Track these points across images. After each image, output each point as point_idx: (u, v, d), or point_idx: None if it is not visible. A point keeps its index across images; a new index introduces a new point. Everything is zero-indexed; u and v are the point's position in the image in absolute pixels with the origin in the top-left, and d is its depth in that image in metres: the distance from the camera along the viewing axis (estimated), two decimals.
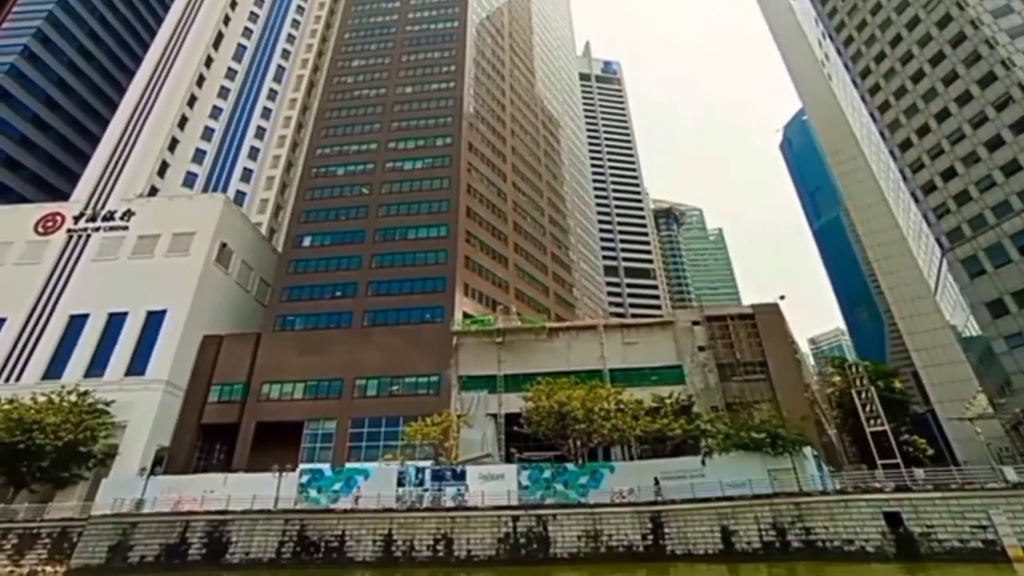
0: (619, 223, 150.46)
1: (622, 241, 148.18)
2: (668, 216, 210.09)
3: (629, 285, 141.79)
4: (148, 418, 46.33)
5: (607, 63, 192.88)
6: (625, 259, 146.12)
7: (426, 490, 35.48)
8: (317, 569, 30.58)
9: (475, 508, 32.14)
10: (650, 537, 30.25)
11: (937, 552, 25.35)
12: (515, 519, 31.52)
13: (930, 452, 58.72)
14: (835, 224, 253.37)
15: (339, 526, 31.79)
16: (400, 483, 35.84)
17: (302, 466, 37.82)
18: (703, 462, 34.25)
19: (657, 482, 32.85)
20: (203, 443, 50.37)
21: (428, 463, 40.12)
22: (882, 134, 63.57)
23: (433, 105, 65.69)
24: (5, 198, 69.49)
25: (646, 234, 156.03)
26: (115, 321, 51.50)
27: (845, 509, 27.48)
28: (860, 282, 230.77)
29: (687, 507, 30.59)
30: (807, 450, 33.25)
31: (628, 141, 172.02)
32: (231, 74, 76.59)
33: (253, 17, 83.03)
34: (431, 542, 31.10)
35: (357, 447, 45.87)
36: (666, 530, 30.17)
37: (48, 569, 32.66)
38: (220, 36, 77.97)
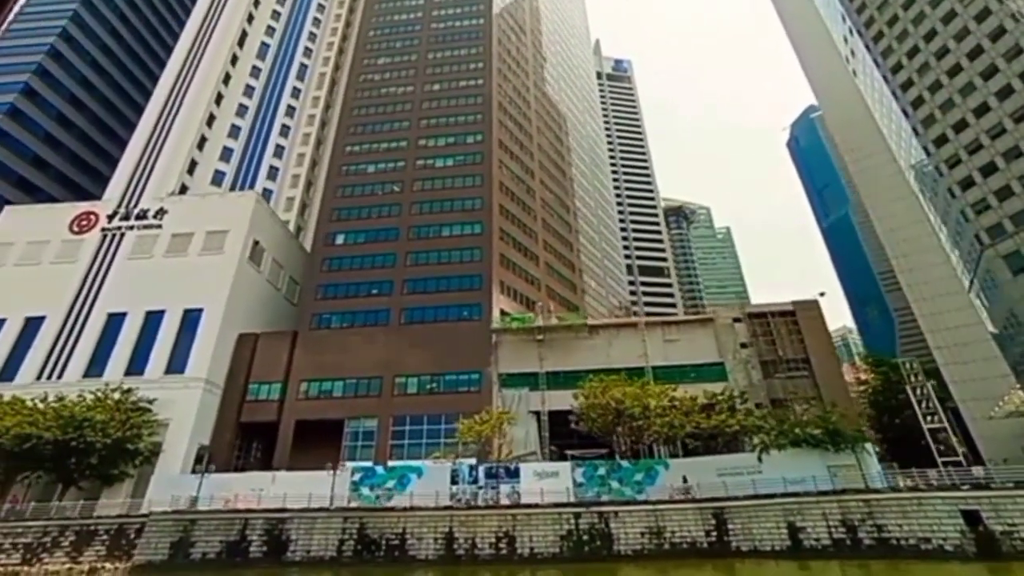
0: (632, 221, 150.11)
1: (635, 239, 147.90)
2: (678, 214, 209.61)
3: (643, 283, 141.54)
4: (189, 416, 46.30)
5: (618, 61, 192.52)
6: (639, 257, 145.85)
7: (480, 488, 35.38)
8: (379, 567, 30.48)
9: (536, 505, 32.00)
10: (714, 533, 30.12)
11: (1021, 551, 25.11)
12: (577, 516, 31.39)
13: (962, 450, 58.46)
14: (844, 222, 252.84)
15: (399, 524, 31.68)
16: (454, 481, 35.76)
17: (353, 464, 37.69)
18: (759, 458, 34.07)
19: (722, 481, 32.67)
20: (240, 441, 50.34)
21: (472, 460, 40.11)
22: (915, 130, 63.19)
23: (462, 102, 65.50)
24: (33, 197, 69.60)
25: (659, 232, 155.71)
26: (152, 319, 51.45)
27: (919, 507, 27.28)
28: (870, 280, 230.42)
29: (750, 503, 30.44)
30: (869, 446, 33.09)
31: (640, 139, 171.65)
32: (255, 72, 76.48)
33: (275, 15, 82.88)
34: (493, 540, 30.97)
35: (399, 445, 45.75)
36: (730, 526, 30.03)
37: (108, 566, 32.62)
38: (244, 34, 77.87)
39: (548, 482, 34.95)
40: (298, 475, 40.43)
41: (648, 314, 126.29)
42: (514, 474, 35.83)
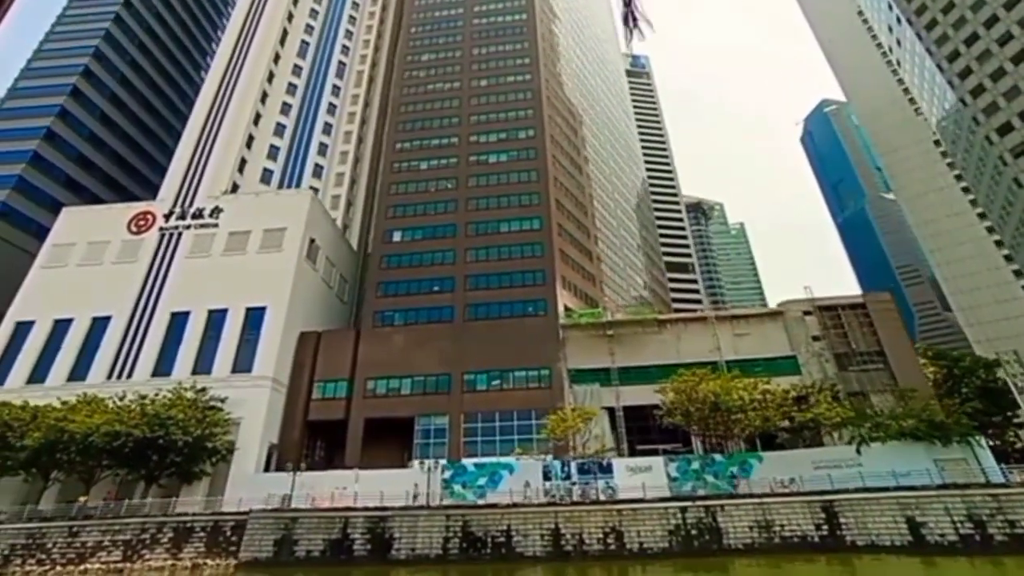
0: (656, 217, 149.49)
1: (660, 235, 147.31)
2: (696, 210, 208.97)
3: (669, 279, 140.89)
4: (260, 415, 46.21)
5: (635, 57, 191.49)
6: (664, 253, 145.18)
7: (574, 483, 35.20)
8: (487, 564, 30.31)
9: (640, 500, 31.76)
10: (825, 527, 29.78)
11: None
12: (683, 510, 31.14)
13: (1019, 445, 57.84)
14: (860, 216, 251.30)
15: (503, 521, 31.48)
16: (546, 477, 35.58)
17: (443, 461, 37.41)
18: (858, 451, 33.71)
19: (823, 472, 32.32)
20: (307, 440, 50.27)
21: (551, 457, 39.92)
22: (975, 119, 62.47)
23: (511, 98, 65.19)
24: (80, 196, 69.81)
25: (683, 228, 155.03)
26: (215, 318, 51.39)
27: None
28: (888, 275, 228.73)
29: (861, 497, 30.08)
30: (983, 440, 32.67)
31: (661, 135, 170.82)
32: (297, 70, 76.35)
33: (313, 14, 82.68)
34: (601, 535, 30.75)
35: (472, 442, 45.56)
36: (841, 520, 29.68)
37: (210, 562, 32.62)
38: (285, 33, 77.77)
39: (642, 477, 34.74)
40: (383, 473, 40.45)
41: (675, 310, 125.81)
42: (607, 469, 35.65)
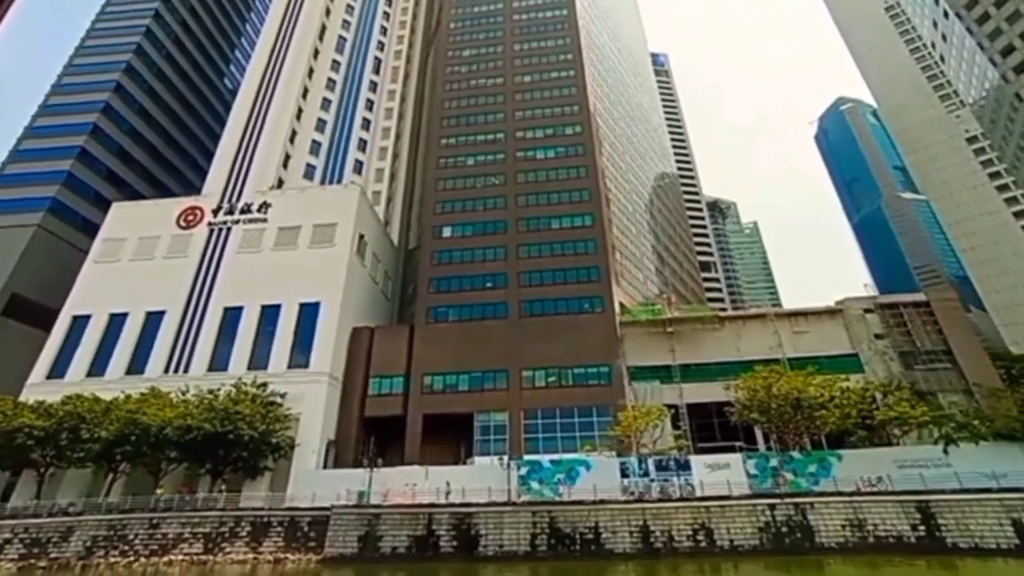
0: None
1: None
2: (713, 209, 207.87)
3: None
4: (318, 410, 46.17)
5: (654, 55, 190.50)
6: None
7: (652, 480, 34.91)
8: (577, 561, 30.09)
9: (728, 497, 31.48)
10: (921, 528, 29.39)
11: None
12: (771, 508, 30.85)
13: None
14: (876, 216, 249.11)
15: (591, 517, 31.26)
16: (624, 474, 35.31)
17: (521, 458, 37.12)
18: (945, 451, 33.26)
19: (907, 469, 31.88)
20: (364, 436, 50.16)
21: (613, 454, 39.68)
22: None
23: (556, 94, 64.77)
24: (120, 190, 69.96)
25: (704, 227, 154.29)
26: (269, 313, 51.35)
27: None
28: (905, 275, 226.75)
29: (960, 498, 29.65)
30: None
31: (681, 133, 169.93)
32: (335, 66, 76.15)
33: (349, 9, 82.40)
34: (690, 532, 30.51)
35: (533, 439, 45.33)
36: (940, 521, 29.27)
37: (291, 557, 32.56)
38: (323, 28, 77.62)
39: (720, 474, 34.48)
40: (452, 469, 40.43)
41: None
42: (685, 466, 35.33)
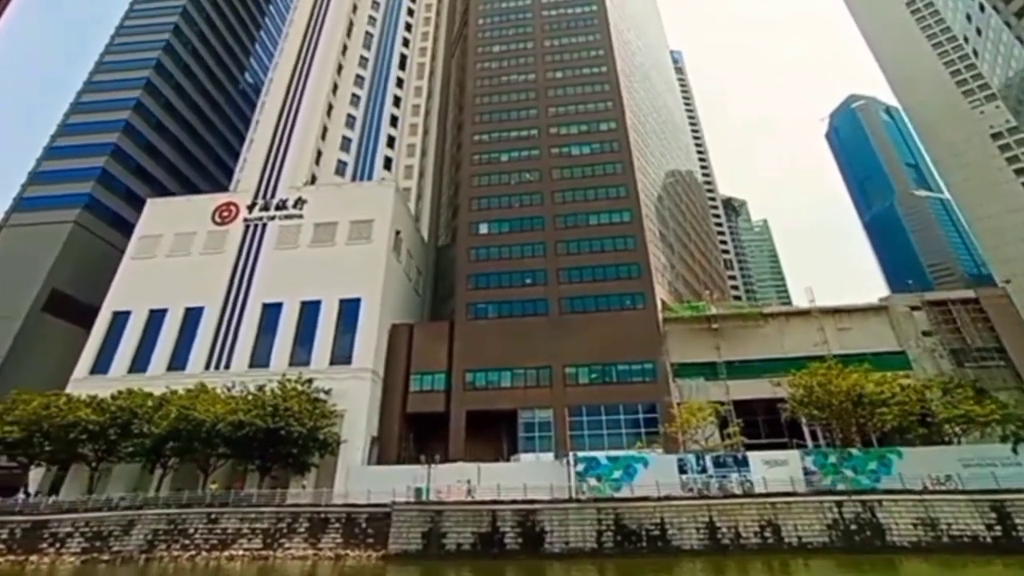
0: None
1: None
2: (727, 207, 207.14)
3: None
4: (362, 407, 46.06)
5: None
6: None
7: (711, 477, 34.64)
8: (644, 558, 29.88)
9: (794, 493, 31.25)
10: (997, 528, 29.05)
11: None
12: (838, 505, 30.60)
13: None
14: (888, 214, 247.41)
15: (656, 514, 31.06)
16: (682, 470, 35.06)
17: (577, 455, 36.82)
18: (1015, 450, 32.87)
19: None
20: (406, 432, 50.05)
21: (653, 452, 39.39)
22: None
23: (589, 90, 64.43)
24: (148, 185, 70.10)
25: (720, 224, 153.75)
26: (308, 309, 51.24)
27: None
28: (919, 274, 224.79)
29: None
30: None
31: (696, 130, 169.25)
32: (363, 62, 75.89)
33: (375, 5, 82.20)
34: (757, 529, 30.29)
35: (579, 436, 45.12)
36: (1017, 521, 28.88)
37: (351, 553, 32.46)
38: (351, 24, 77.43)
39: (778, 471, 34.19)
40: (507, 466, 40.38)
41: None
42: (742, 463, 35.03)
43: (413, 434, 52.03)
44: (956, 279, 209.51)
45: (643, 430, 44.10)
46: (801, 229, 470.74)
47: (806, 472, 34.38)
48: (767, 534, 30.08)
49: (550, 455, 44.31)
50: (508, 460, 46.71)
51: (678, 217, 71.90)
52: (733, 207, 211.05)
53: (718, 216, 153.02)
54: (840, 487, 32.91)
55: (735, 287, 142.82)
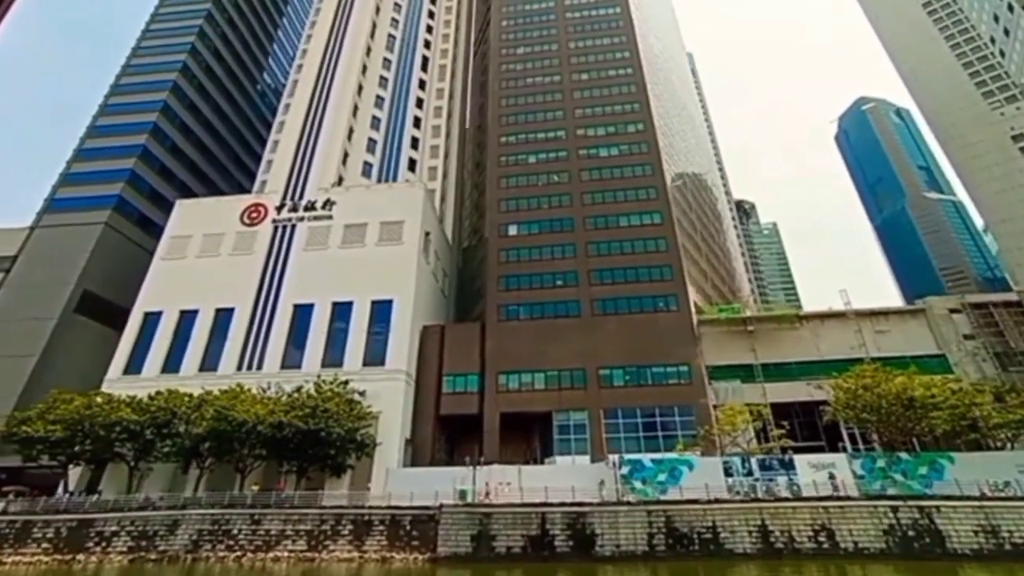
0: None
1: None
2: (738, 209, 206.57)
3: None
4: (397, 408, 45.89)
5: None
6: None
7: (757, 480, 34.24)
8: (697, 561, 29.53)
9: (848, 498, 30.82)
10: None
11: None
12: (894, 510, 30.14)
13: None
14: (900, 217, 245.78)
15: (707, 517, 30.70)
16: (727, 473, 34.68)
17: (624, 457, 36.49)
18: None
19: None
20: (439, 434, 49.84)
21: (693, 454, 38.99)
22: None
23: (616, 92, 64.34)
24: (171, 185, 70.28)
25: (735, 226, 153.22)
26: (340, 310, 51.19)
27: None
28: (931, 277, 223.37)
29: None
30: None
31: (709, 134, 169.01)
32: (387, 64, 76.07)
33: (397, 7, 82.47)
34: (811, 533, 29.87)
35: (615, 438, 44.79)
36: None
37: (397, 556, 32.23)
38: (373, 26, 77.69)
39: (825, 474, 33.76)
40: (547, 468, 40.12)
41: None
42: (788, 466, 34.63)
43: (446, 436, 51.90)
44: (969, 282, 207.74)
45: (679, 433, 43.73)
46: (806, 231, 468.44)
47: (855, 476, 33.97)
48: (821, 538, 29.66)
49: (586, 458, 44.11)
50: (539, 462, 46.50)
51: (703, 219, 71.61)
52: (744, 210, 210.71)
53: (733, 219, 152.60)
54: (890, 492, 32.51)
55: (749, 290, 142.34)
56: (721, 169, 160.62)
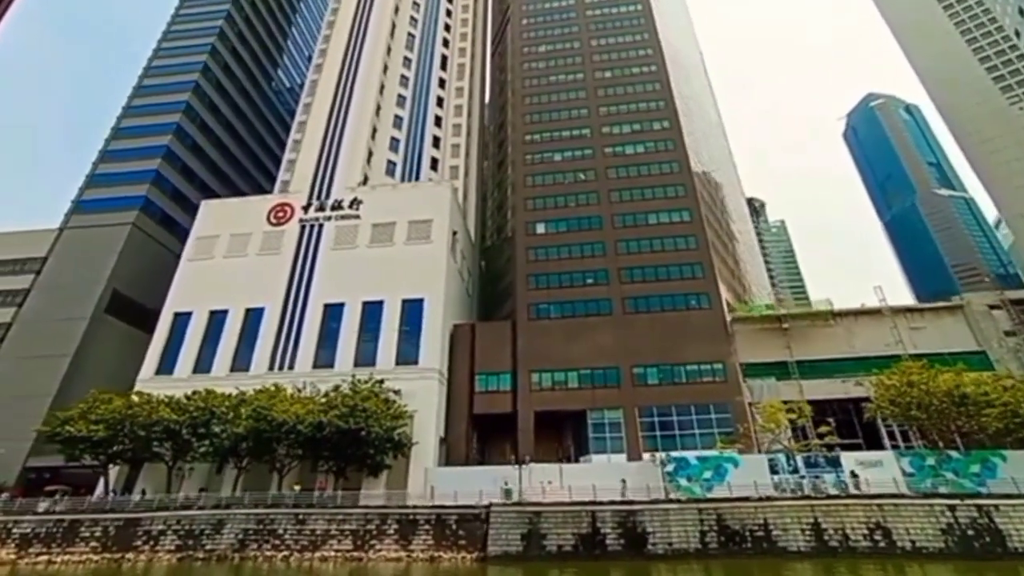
0: None
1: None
2: (749, 207, 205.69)
3: None
4: (432, 407, 45.73)
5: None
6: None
7: (803, 477, 33.95)
8: (750, 559, 29.26)
9: (902, 496, 30.49)
10: None
11: None
12: (951, 508, 29.77)
13: None
14: (910, 214, 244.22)
15: (758, 515, 30.44)
16: (773, 471, 34.40)
17: (670, 455, 36.25)
18: None
19: None
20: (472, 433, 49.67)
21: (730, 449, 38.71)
22: None
23: (640, 89, 64.07)
24: (191, 184, 70.46)
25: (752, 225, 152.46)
26: (370, 309, 51.05)
27: None
28: (942, 274, 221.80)
29: None
30: None
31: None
32: (407, 63, 75.95)
33: (415, 6, 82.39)
34: (866, 531, 29.55)
35: (651, 436, 44.53)
36: None
37: (445, 555, 32.09)
38: (393, 25, 77.61)
39: (871, 472, 33.42)
40: (588, 466, 39.90)
41: None
42: (834, 463, 34.32)
43: (477, 435, 51.73)
44: (982, 279, 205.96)
45: (716, 431, 43.46)
46: (811, 229, 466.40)
47: (904, 474, 33.61)
48: (877, 537, 29.34)
49: (622, 456, 43.90)
50: (573, 461, 46.34)
51: (726, 217, 71.24)
52: (754, 208, 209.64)
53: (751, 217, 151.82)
54: (942, 490, 32.15)
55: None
56: (733, 167, 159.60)
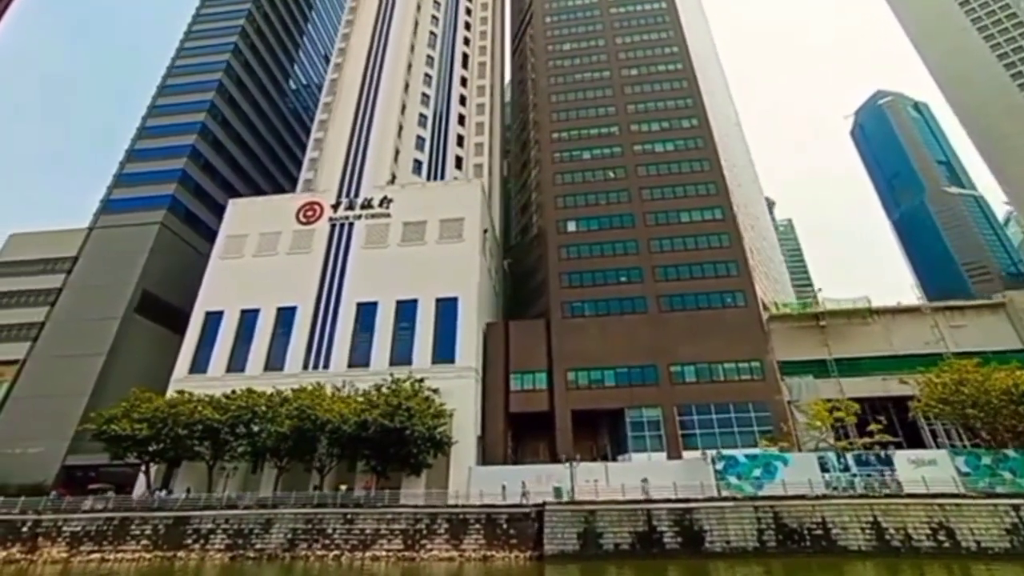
0: None
1: None
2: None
3: None
4: (469, 406, 45.56)
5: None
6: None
7: (855, 476, 33.64)
8: (810, 557, 28.97)
9: (963, 495, 30.18)
10: None
11: None
12: (1016, 508, 29.41)
13: None
14: (919, 212, 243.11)
15: (815, 513, 30.15)
16: (823, 469, 34.10)
17: (717, 452, 36.01)
18: None
19: None
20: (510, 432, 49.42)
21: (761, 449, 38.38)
22: None
23: (667, 87, 63.78)
24: (214, 182, 70.36)
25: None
26: (404, 308, 50.86)
27: None
28: (952, 272, 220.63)
29: None
30: None
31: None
32: (429, 61, 75.72)
33: (436, 4, 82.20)
34: (928, 531, 29.23)
35: (691, 435, 44.25)
36: None
37: (498, 554, 31.87)
38: (416, 24, 77.43)
39: (925, 470, 33.09)
40: (631, 464, 39.64)
41: None
42: (886, 462, 34.01)
43: (512, 433, 51.48)
44: (992, 277, 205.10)
45: (756, 428, 43.18)
46: (816, 228, 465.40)
47: (960, 473, 33.26)
48: (940, 536, 29.02)
49: (662, 455, 43.65)
50: (611, 459, 45.99)
51: (751, 215, 70.89)
52: (766, 207, 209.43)
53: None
54: (1000, 490, 31.80)
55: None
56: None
